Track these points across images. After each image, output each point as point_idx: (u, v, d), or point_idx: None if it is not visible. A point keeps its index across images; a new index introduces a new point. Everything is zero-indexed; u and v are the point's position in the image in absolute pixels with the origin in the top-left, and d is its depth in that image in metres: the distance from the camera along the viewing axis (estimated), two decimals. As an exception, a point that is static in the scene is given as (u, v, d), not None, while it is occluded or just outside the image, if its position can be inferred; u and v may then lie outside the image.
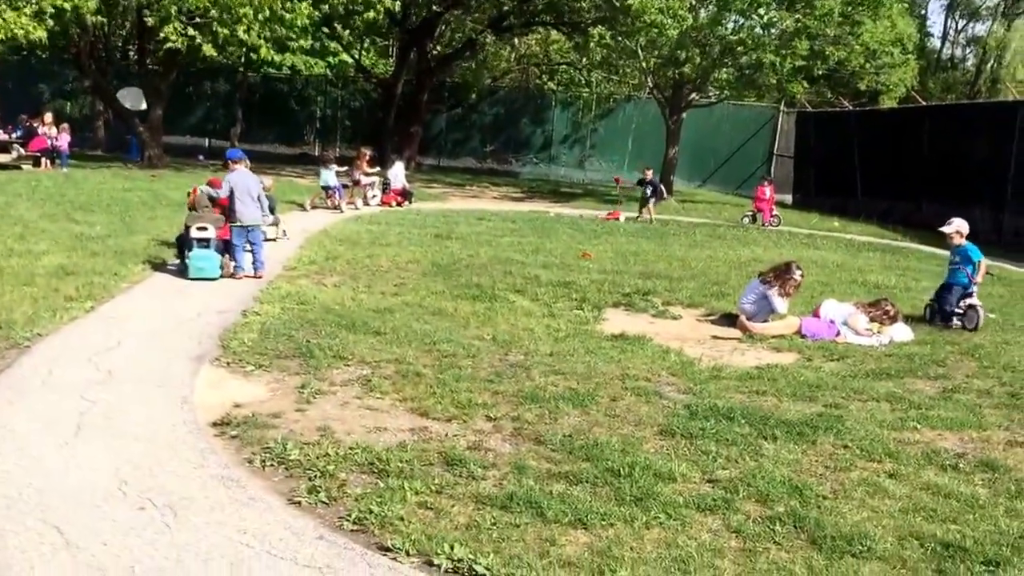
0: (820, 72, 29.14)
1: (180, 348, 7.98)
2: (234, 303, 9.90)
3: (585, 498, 5.12)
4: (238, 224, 11.61)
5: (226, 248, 11.66)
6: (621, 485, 5.30)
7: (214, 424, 6.17)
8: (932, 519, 5.10)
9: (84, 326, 8.55)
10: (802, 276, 10.74)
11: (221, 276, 11.30)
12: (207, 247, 11.36)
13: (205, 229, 11.38)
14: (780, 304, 10.26)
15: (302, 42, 27.40)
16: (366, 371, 7.49)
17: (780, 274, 10.52)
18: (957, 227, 11.22)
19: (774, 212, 23.55)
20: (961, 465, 6.03)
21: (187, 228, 11.60)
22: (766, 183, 24.19)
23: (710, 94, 30.35)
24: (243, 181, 11.81)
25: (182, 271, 11.36)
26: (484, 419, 6.48)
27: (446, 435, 6.12)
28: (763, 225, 22.91)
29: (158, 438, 5.80)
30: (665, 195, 23.84)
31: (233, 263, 11.58)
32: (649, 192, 22.47)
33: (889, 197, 26.84)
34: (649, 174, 23.00)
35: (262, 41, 24.60)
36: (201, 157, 31.92)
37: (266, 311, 9.47)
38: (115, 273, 10.88)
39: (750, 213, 23.84)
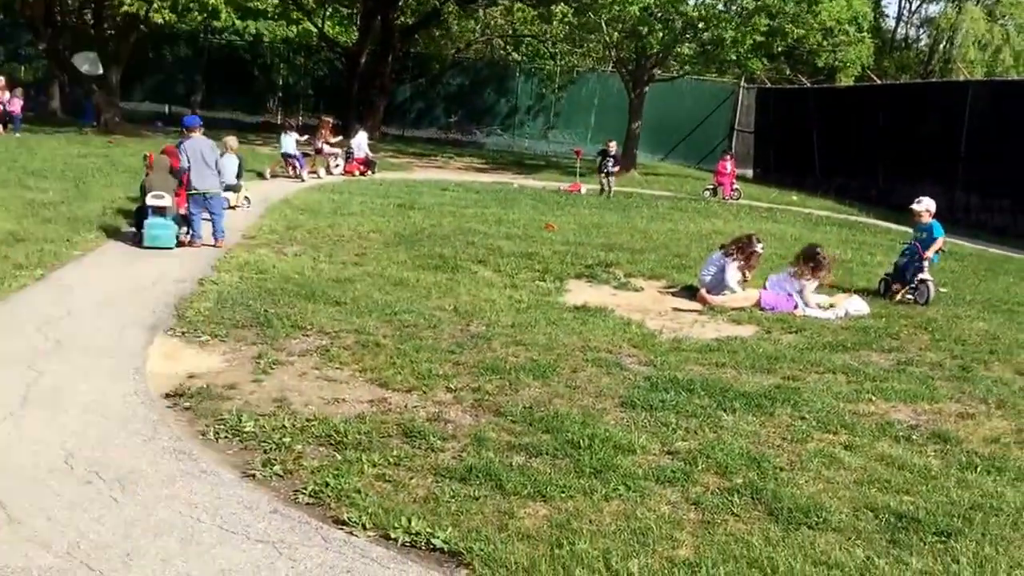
0: (779, 49, 29.34)
1: (133, 317, 7.83)
2: (190, 272, 9.75)
3: (545, 470, 5.10)
4: (194, 192, 11.42)
5: (184, 218, 11.48)
6: (581, 457, 5.29)
7: (167, 395, 6.07)
8: (886, 490, 5.15)
9: (33, 294, 8.37)
10: (763, 248, 10.80)
11: (178, 245, 11.11)
12: (163, 216, 11.16)
13: (161, 197, 11.17)
14: (732, 277, 10.31)
15: None
16: (325, 341, 7.40)
17: (743, 247, 10.58)
18: (927, 206, 11.45)
19: (735, 186, 23.69)
20: (914, 437, 6.11)
21: (143, 195, 11.39)
22: (727, 157, 24.36)
23: (672, 69, 30.38)
24: (197, 148, 11.54)
25: (138, 240, 11.15)
26: (444, 390, 6.44)
27: (405, 406, 6.07)
28: (724, 199, 23.04)
29: (107, 410, 5.68)
30: (614, 169, 22.21)
31: (190, 232, 11.40)
32: (610, 164, 21.72)
33: (845, 173, 27.20)
34: (612, 146, 22.14)
35: (222, 4, 24.12)
36: (159, 123, 31.33)
37: (223, 280, 9.34)
38: (67, 240, 10.68)
39: (711, 187, 23.98)
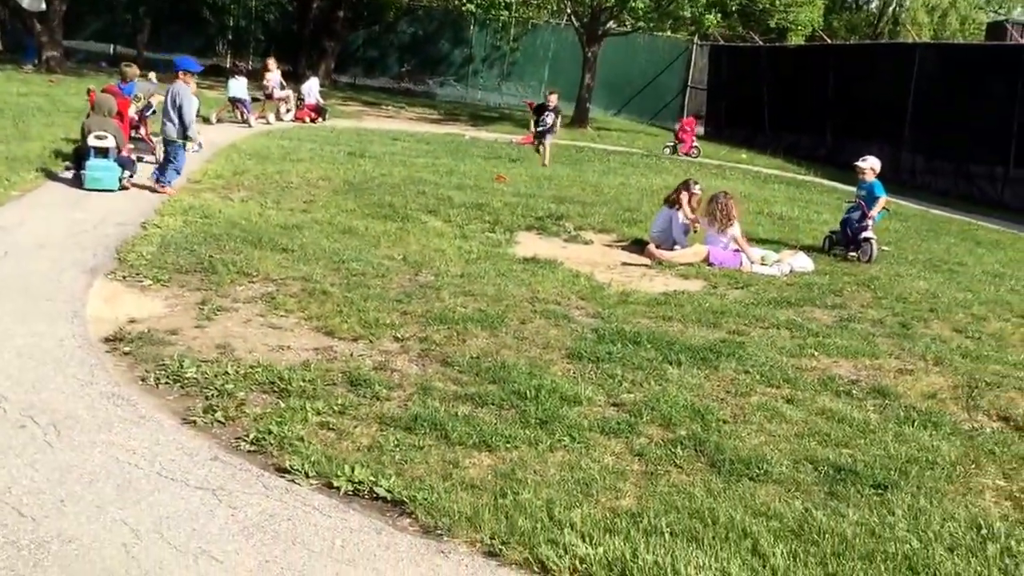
0: (734, 7, 29.42)
1: (73, 260, 7.64)
2: (133, 215, 9.56)
3: (490, 420, 5.10)
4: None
5: (130, 161, 11.23)
6: (527, 408, 5.29)
7: (106, 340, 5.94)
8: (826, 443, 5.23)
9: (-32, 236, 8.12)
10: (701, 190, 10.93)
11: (120, 188, 10.84)
12: (105, 157, 10.87)
13: (104, 138, 10.88)
14: (680, 228, 10.43)
15: None
16: (271, 288, 7.30)
17: (684, 194, 10.74)
18: (871, 164, 11.61)
19: (694, 144, 23.73)
20: (854, 391, 6.22)
21: (83, 135, 11.09)
22: (692, 117, 24.46)
23: (626, 24, 30.23)
24: (168, 93, 11.32)
25: (78, 181, 10.86)
26: (391, 339, 6.40)
27: (351, 355, 6.02)
28: (682, 155, 23.11)
29: (44, 353, 5.54)
30: (552, 121, 17.98)
31: (133, 175, 11.16)
32: (549, 121, 17.84)
33: (795, 132, 27.47)
34: (553, 99, 18.19)
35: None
36: (103, 63, 30.47)
37: (167, 224, 9.16)
38: (6, 180, 10.39)
39: (671, 143, 24.04)
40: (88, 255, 7.87)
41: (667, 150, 23.66)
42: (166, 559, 3.57)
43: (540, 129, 17.86)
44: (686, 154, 23.21)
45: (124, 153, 11.29)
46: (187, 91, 11.27)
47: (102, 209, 9.75)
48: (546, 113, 17.84)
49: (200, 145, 14.68)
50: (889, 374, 6.68)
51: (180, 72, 11.44)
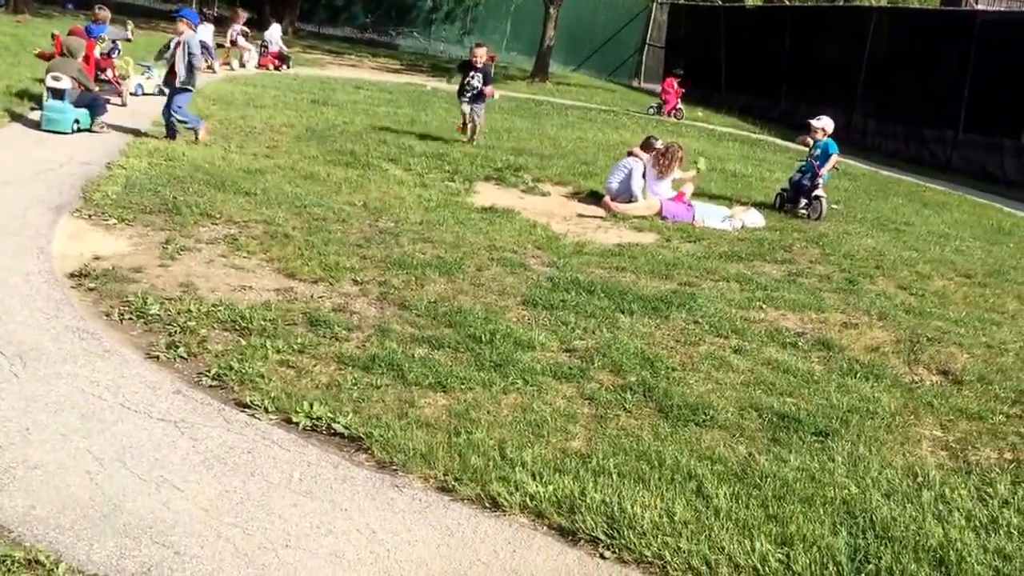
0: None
1: (38, 198, 7.62)
2: (98, 155, 9.51)
3: (446, 362, 5.22)
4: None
5: (98, 104, 11.07)
6: (482, 351, 5.42)
7: (71, 275, 5.97)
8: (771, 392, 5.41)
9: (-70, 172, 8.04)
10: (662, 144, 11.10)
11: (78, 131, 10.67)
12: (61, 98, 10.70)
13: (59, 79, 10.70)
14: (638, 184, 10.60)
15: None
16: (234, 230, 7.35)
17: (646, 150, 10.94)
18: (824, 125, 11.72)
19: (678, 105, 23.68)
20: (800, 343, 6.41)
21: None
22: (675, 77, 24.36)
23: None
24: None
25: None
26: (351, 282, 6.49)
27: (312, 296, 6.11)
28: (667, 115, 23.14)
29: (9, 288, 5.57)
30: (483, 88, 13.21)
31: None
32: (476, 84, 13.08)
33: (750, 92, 27.52)
34: (480, 55, 13.23)
35: None
36: (70, 6, 29.70)
37: (132, 165, 9.14)
38: (-32, 119, 10.23)
39: (656, 104, 24.04)
40: (54, 193, 7.84)
41: (651, 110, 23.67)
42: (129, 486, 3.67)
43: (469, 95, 13.22)
44: (669, 114, 23.20)
45: (93, 94, 11.12)
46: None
47: (67, 149, 9.67)
48: (472, 74, 13.15)
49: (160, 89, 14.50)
50: (834, 327, 6.88)
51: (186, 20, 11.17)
